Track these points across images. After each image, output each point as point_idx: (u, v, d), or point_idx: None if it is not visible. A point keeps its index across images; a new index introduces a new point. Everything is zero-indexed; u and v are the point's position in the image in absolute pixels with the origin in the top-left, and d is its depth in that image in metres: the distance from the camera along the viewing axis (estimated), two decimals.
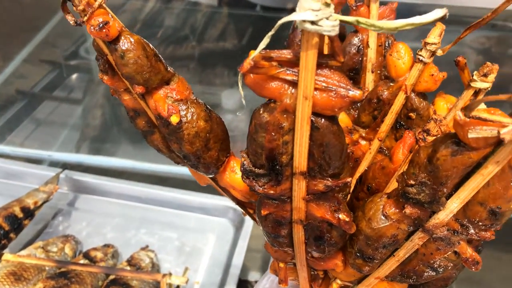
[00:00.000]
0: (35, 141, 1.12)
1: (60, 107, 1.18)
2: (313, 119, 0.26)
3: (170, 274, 0.74)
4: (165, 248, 0.85)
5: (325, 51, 0.26)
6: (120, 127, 1.14)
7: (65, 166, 0.99)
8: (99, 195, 0.94)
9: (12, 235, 0.79)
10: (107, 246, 0.81)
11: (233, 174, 0.40)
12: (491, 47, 1.24)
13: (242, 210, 0.46)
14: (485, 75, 0.37)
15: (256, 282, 0.88)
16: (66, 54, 1.29)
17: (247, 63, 0.24)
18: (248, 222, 0.87)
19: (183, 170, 1.08)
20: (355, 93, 0.25)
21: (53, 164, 1.03)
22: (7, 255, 0.77)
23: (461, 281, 0.60)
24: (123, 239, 0.86)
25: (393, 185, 0.36)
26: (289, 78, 0.25)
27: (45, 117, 1.18)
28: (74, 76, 1.31)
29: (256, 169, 0.29)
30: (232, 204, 0.92)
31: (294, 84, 0.25)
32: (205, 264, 0.84)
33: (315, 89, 0.25)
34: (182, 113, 0.34)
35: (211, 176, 0.40)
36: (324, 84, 0.25)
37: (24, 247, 0.81)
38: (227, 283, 0.76)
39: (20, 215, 0.81)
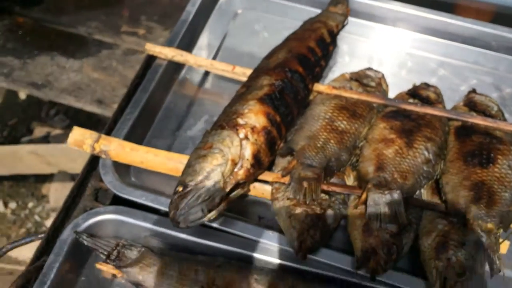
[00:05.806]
0: None
1: None
2: None
3: None
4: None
5: None
6: None
7: None
8: (380, 22, 0.78)
9: (322, 62, 0.66)
10: (428, 85, 0.67)
11: None
12: None
13: None
14: None
15: None
16: None
17: None
18: None
19: None
20: None
21: None
22: (318, 86, 0.65)
23: None
24: (424, 77, 0.72)
25: None
26: None
27: None
28: None
29: None
30: None
31: None
32: None
33: None
34: None
35: None
36: None
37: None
38: None
39: (328, 39, 0.67)
